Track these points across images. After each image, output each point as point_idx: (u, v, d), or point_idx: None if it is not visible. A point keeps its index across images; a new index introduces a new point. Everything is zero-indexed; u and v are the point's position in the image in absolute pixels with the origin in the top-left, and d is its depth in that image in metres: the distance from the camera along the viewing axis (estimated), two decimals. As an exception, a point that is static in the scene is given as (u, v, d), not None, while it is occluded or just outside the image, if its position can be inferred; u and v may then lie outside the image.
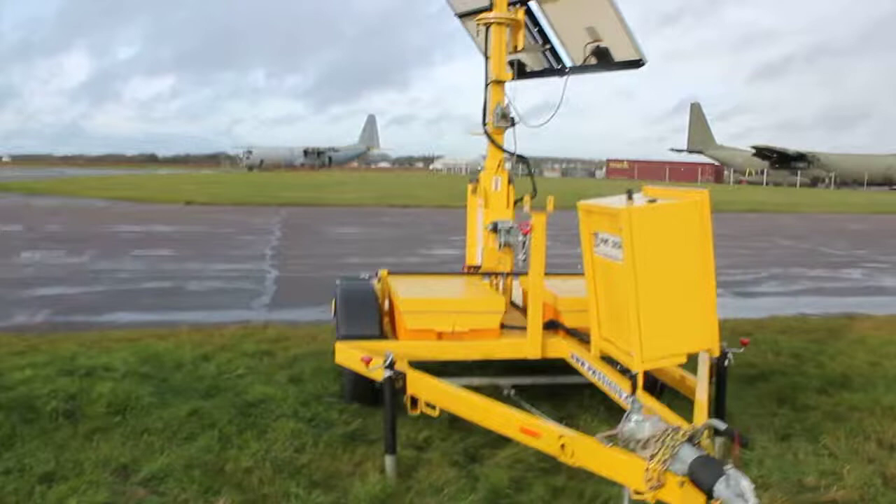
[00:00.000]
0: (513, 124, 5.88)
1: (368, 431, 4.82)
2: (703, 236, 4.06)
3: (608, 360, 4.68)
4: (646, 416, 3.21)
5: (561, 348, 5.04)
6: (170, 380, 5.57)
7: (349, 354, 4.75)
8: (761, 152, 76.99)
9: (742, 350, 4.73)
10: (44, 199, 28.17)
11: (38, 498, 3.73)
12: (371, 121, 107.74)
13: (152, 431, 4.57)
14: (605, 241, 4.31)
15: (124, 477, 4.02)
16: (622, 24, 5.44)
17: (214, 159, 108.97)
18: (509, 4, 5.80)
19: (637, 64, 5.64)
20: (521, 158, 6.03)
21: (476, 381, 5.19)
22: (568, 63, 6.15)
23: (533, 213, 4.86)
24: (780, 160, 76.37)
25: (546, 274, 5.79)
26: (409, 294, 5.08)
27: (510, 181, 6.01)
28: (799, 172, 73.64)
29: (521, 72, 6.17)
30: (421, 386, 4.22)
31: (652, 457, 3.00)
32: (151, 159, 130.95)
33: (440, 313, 4.95)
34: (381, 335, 5.12)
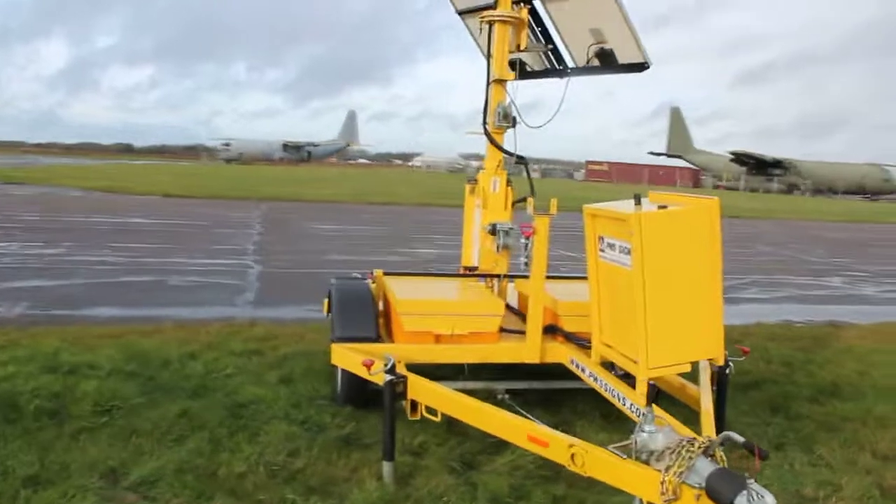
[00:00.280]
0: (513, 125, 5.79)
1: (363, 435, 4.72)
2: (712, 243, 4.02)
3: (606, 365, 4.63)
4: (658, 427, 3.15)
5: (560, 353, 4.97)
6: (157, 378, 5.42)
7: (346, 356, 4.65)
8: (739, 158, 77.73)
9: (743, 359, 4.69)
10: (19, 188, 27.64)
11: (22, 503, 3.59)
12: (351, 116, 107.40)
13: (141, 433, 4.43)
14: (612, 246, 4.25)
15: (113, 481, 3.88)
16: (629, 26, 5.38)
17: (192, 151, 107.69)
18: (513, 3, 5.71)
19: (641, 67, 5.58)
20: (521, 159, 5.95)
21: (470, 384, 5.11)
22: (570, 64, 6.08)
23: (535, 216, 4.78)
24: (758, 166, 77.15)
25: (551, 277, 5.73)
26: (407, 295, 4.99)
27: (509, 182, 5.93)
28: (775, 179, 74.40)
29: (521, 72, 6.08)
30: (422, 391, 4.12)
31: (667, 469, 2.94)
32: (127, 149, 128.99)
33: (439, 315, 4.86)
34: (378, 337, 5.02)
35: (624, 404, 4.08)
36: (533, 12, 5.93)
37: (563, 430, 4.00)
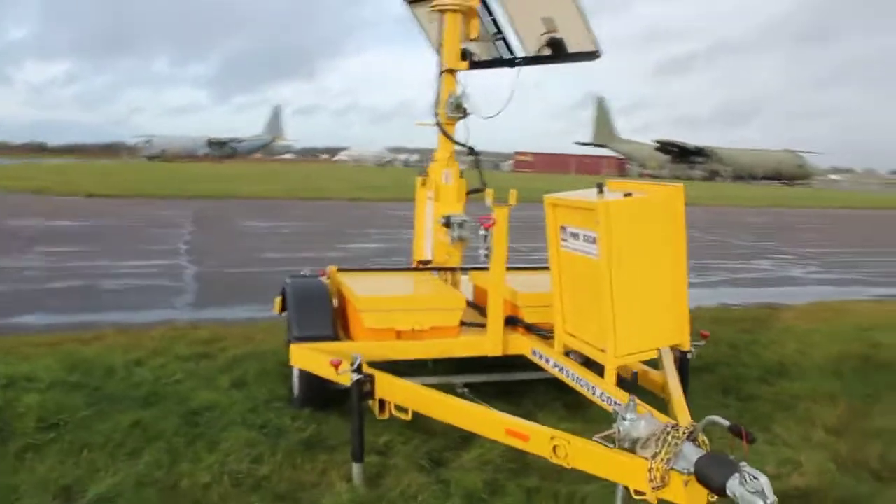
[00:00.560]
0: (465, 115, 5.73)
1: (325, 437, 4.59)
2: (676, 230, 4.04)
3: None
4: (640, 415, 3.14)
5: (521, 344, 4.94)
6: (103, 388, 5.16)
7: (307, 357, 4.52)
8: (663, 146, 79.68)
9: (703, 343, 4.74)
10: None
11: (-29, 528, 3.36)
12: (276, 111, 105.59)
13: (93, 447, 4.20)
14: (576, 236, 4.23)
15: (68, 500, 3.66)
16: (581, 14, 5.37)
17: (111, 149, 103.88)
18: (464, -9, 5.64)
19: (592, 56, 5.58)
20: (472, 150, 5.90)
21: (430, 380, 5.03)
22: (520, 53, 6.04)
23: (495, 207, 4.73)
24: (681, 154, 79.23)
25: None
26: (366, 292, 4.87)
27: (461, 174, 5.87)
28: (698, 166, 76.54)
29: (469, 62, 6.02)
30: (391, 389, 4.03)
31: (654, 456, 2.93)
32: (40, 148, 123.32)
33: (400, 311, 4.77)
34: (336, 336, 4.90)
35: (594, 393, 4.07)
36: (484, 1, 5.88)
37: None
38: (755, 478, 2.66)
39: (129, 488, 3.74)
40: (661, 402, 4.00)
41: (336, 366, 3.93)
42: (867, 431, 4.94)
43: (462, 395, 4.95)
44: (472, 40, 5.87)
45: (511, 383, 5.41)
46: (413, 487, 3.89)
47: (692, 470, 2.85)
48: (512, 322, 5.04)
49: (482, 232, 4.80)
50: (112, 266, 11.21)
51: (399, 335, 4.81)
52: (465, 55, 5.83)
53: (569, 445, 3.24)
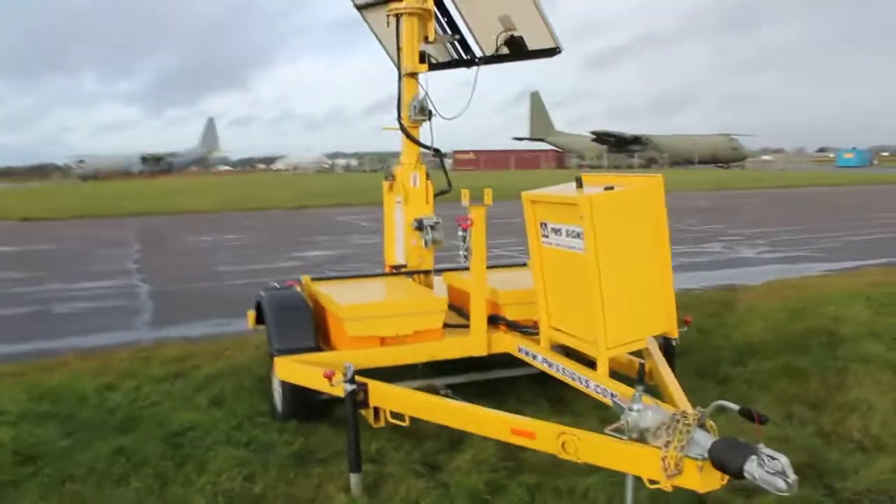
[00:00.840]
0: (429, 118, 5.70)
1: (315, 450, 4.51)
2: (658, 220, 4.08)
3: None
4: (646, 405, 3.15)
5: (505, 342, 4.94)
6: (76, 416, 4.98)
7: (293, 369, 4.44)
8: (600, 137, 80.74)
9: (685, 329, 4.79)
10: None
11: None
12: (210, 123, 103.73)
13: (76, 478, 4.04)
14: (558, 231, 4.24)
15: (59, 535, 3.52)
16: (539, 11, 5.39)
17: (42, 170, 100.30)
18: (418, -7, 5.61)
19: (552, 52, 5.61)
20: (438, 152, 5.87)
21: (414, 383, 4.99)
22: (478, 53, 6.04)
23: (472, 207, 4.71)
24: (618, 144, 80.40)
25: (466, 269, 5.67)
26: (347, 300, 4.80)
27: (428, 176, 5.84)
28: (636, 155, 77.81)
29: (428, 64, 5.99)
30: (387, 396, 3.97)
31: (667, 444, 2.94)
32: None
33: (383, 318, 4.72)
34: (318, 346, 4.82)
35: (587, 386, 4.08)
36: (438, 3, 5.85)
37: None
38: (774, 458, 2.69)
39: (123, 518, 3.61)
40: (651, 391, 4.03)
41: (330, 377, 3.85)
42: (844, 404, 5.07)
43: (447, 397, 4.93)
44: (429, 43, 5.84)
45: (492, 381, 5.40)
46: (414, 493, 3.85)
47: (706, 455, 2.88)
48: (493, 320, 5.03)
49: (461, 233, 4.78)
50: (62, 289, 10.85)
51: (383, 341, 4.76)
52: (423, 58, 5.80)
53: (578, 440, 3.24)
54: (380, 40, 6.63)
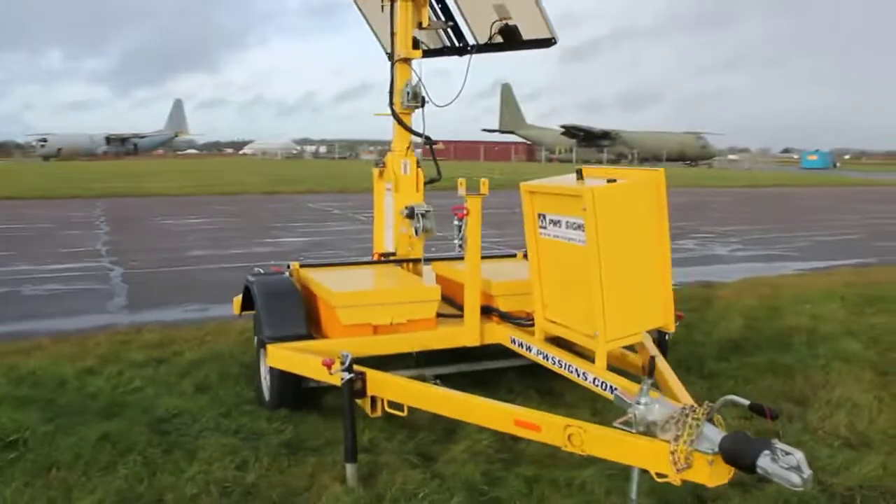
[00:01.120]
0: (422, 104, 5.63)
1: (306, 439, 4.45)
2: (659, 213, 4.07)
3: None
4: (653, 399, 3.14)
5: (498, 333, 4.91)
6: (58, 401, 4.84)
7: (287, 357, 4.36)
8: (569, 131, 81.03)
9: (678, 324, 4.80)
10: None
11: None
12: (178, 105, 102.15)
13: (61, 465, 3.92)
14: (556, 223, 4.21)
15: (46, 524, 3.42)
16: (535, 1, 5.34)
17: (2, 149, 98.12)
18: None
19: (548, 43, 5.57)
20: (429, 140, 5.81)
21: (404, 373, 4.94)
22: (471, 41, 5.98)
23: (468, 196, 4.66)
24: (587, 138, 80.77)
25: (460, 258, 5.62)
26: (341, 288, 4.73)
27: (418, 163, 5.78)
28: (605, 150, 78.30)
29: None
30: (386, 386, 3.91)
31: (676, 438, 2.93)
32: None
33: (377, 306, 4.66)
34: (309, 334, 4.74)
35: (585, 378, 4.06)
36: (433, -12, 5.79)
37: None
38: (788, 453, 2.70)
39: (112, 507, 3.51)
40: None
41: (329, 365, 3.79)
42: (829, 402, 5.12)
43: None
44: (423, 28, 5.77)
45: (480, 372, 5.37)
46: (411, 485, 3.80)
47: (716, 450, 2.87)
48: (486, 311, 5.00)
49: (456, 222, 4.73)
50: (32, 271, 10.60)
51: (376, 330, 4.70)
52: (415, 44, 5.73)
53: (584, 433, 3.22)
54: (370, 25, 6.55)
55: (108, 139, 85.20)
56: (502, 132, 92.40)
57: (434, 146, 5.85)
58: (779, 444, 2.76)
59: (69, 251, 12.59)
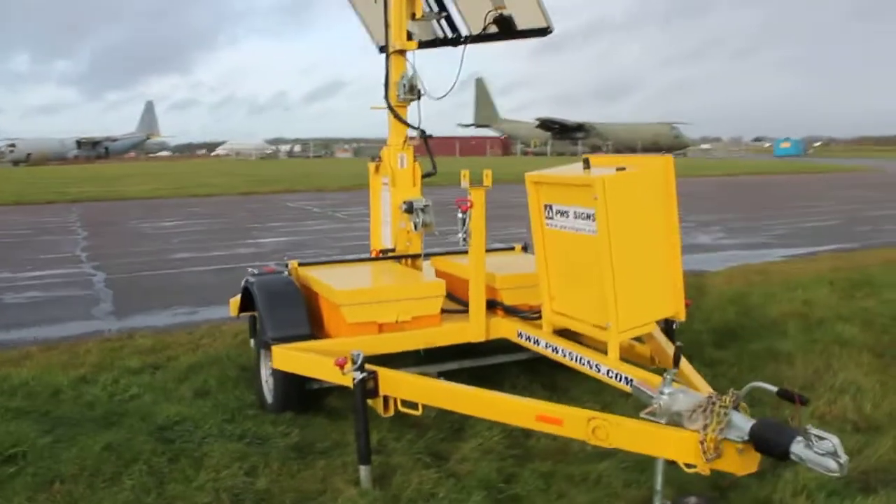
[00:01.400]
0: (418, 97, 5.55)
1: (313, 441, 4.36)
2: (669, 202, 4.03)
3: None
4: (677, 388, 3.10)
5: (504, 328, 4.84)
6: (54, 412, 4.71)
7: (294, 358, 4.27)
8: (544, 124, 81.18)
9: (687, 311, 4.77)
10: None
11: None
12: (149, 107, 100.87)
13: (65, 478, 3.80)
14: (564, 213, 4.15)
15: (55, 539, 3.30)
16: (532, -11, 5.28)
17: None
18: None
19: (544, 32, 5.51)
20: (424, 133, 5.72)
21: (408, 371, 4.87)
22: (465, 32, 5.90)
23: (471, 189, 4.59)
24: (562, 131, 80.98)
25: (457, 252, 5.56)
26: (344, 286, 4.63)
27: (415, 157, 5.70)
28: (580, 142, 78.54)
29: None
30: (399, 385, 3.83)
31: (705, 427, 2.89)
32: None
33: (382, 303, 4.57)
34: (312, 334, 4.65)
35: (598, 370, 4.01)
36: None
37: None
38: (823, 438, 2.66)
39: (123, 519, 3.40)
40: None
41: (342, 365, 3.70)
42: (833, 386, 5.12)
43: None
44: (416, 20, 5.69)
45: (481, 368, 5.30)
46: (427, 485, 3.74)
47: (746, 438, 2.83)
48: (490, 305, 4.93)
49: (460, 215, 4.65)
50: (11, 278, 10.36)
51: (381, 328, 4.61)
52: (410, 35, 5.64)
53: (609, 425, 3.16)
54: (362, 18, 6.45)
55: (79, 143, 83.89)
56: (478, 126, 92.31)
57: (427, 139, 5.76)
58: (813, 430, 2.72)
59: (49, 257, 12.35)
